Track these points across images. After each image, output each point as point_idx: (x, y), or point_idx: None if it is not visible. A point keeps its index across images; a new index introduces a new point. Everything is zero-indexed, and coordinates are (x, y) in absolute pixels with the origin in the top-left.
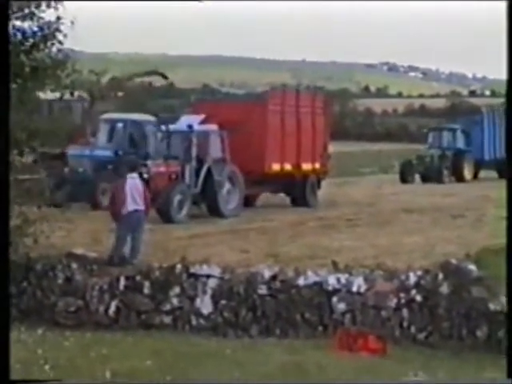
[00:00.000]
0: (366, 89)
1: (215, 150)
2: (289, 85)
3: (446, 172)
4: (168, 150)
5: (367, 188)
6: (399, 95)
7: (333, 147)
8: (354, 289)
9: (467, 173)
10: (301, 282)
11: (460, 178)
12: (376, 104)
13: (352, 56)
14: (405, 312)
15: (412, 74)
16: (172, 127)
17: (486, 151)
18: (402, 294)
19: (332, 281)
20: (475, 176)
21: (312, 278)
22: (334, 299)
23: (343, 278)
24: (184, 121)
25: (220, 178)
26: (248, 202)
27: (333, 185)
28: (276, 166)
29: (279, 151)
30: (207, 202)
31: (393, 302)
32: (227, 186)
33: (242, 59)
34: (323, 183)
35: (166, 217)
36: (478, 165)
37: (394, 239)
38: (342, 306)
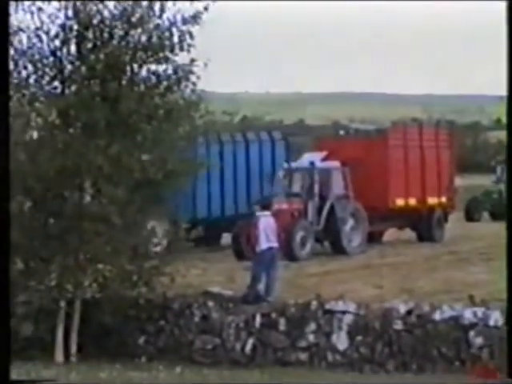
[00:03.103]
0: (498, 121)
1: (338, 186)
2: (419, 119)
3: None
4: (290, 187)
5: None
6: None
7: (465, 180)
8: (491, 323)
9: None
10: (437, 316)
11: None
12: None
13: (482, 88)
14: None
15: None
16: (294, 164)
17: None
18: None
19: (468, 315)
20: None
21: (448, 312)
22: (471, 333)
23: (480, 311)
24: (306, 158)
25: (343, 214)
26: (374, 238)
27: (464, 218)
28: (400, 202)
29: (403, 186)
30: (330, 239)
31: None
32: (350, 222)
33: (372, 94)
34: (454, 217)
35: (289, 254)
36: None
37: None
38: (479, 341)
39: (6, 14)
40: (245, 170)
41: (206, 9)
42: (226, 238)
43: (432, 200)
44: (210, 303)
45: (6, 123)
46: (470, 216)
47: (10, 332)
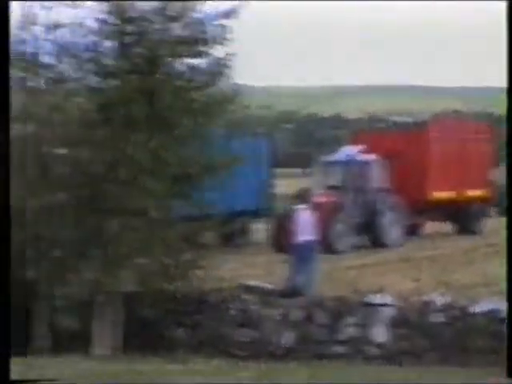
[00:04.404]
0: None
1: (376, 179)
2: (459, 111)
3: None
4: (329, 180)
5: None
6: None
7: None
8: None
9: None
10: (475, 309)
11: None
12: None
13: None
14: None
15: None
16: (333, 158)
17: None
18: None
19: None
20: None
21: (486, 305)
22: None
23: None
24: (344, 151)
25: (382, 207)
26: (413, 231)
27: None
28: (439, 194)
29: (442, 179)
30: (369, 232)
31: None
32: (389, 215)
33: (411, 87)
34: (493, 209)
35: (327, 247)
36: None
37: None
38: None
39: (7, 14)
40: None
41: (243, 3)
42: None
43: (471, 193)
44: (248, 296)
45: (7, 123)
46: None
47: (9, 332)
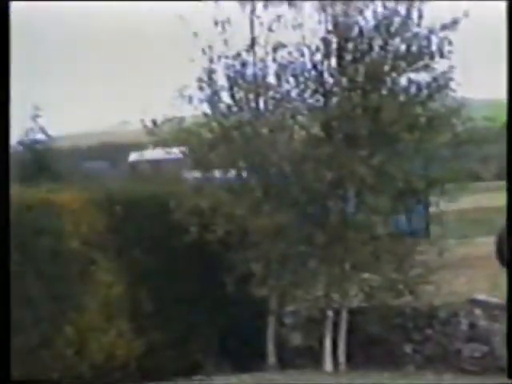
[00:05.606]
0: None
1: None
2: None
3: None
4: None
5: None
6: None
7: None
8: None
9: None
10: None
11: None
12: None
13: None
14: None
15: None
16: None
17: None
18: None
19: None
20: None
21: None
22: None
23: None
24: None
25: None
26: None
27: None
28: None
29: None
30: None
31: None
32: None
33: None
34: None
35: None
36: None
37: None
38: None
39: (7, 14)
40: None
41: (466, 15)
42: None
43: None
44: (477, 311)
45: (6, 124)
46: None
47: (9, 333)
